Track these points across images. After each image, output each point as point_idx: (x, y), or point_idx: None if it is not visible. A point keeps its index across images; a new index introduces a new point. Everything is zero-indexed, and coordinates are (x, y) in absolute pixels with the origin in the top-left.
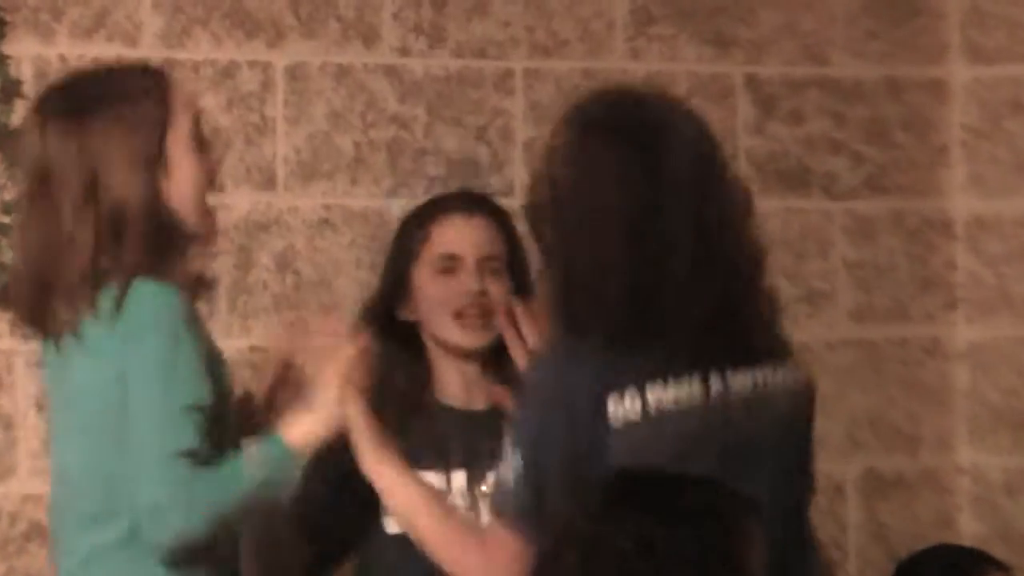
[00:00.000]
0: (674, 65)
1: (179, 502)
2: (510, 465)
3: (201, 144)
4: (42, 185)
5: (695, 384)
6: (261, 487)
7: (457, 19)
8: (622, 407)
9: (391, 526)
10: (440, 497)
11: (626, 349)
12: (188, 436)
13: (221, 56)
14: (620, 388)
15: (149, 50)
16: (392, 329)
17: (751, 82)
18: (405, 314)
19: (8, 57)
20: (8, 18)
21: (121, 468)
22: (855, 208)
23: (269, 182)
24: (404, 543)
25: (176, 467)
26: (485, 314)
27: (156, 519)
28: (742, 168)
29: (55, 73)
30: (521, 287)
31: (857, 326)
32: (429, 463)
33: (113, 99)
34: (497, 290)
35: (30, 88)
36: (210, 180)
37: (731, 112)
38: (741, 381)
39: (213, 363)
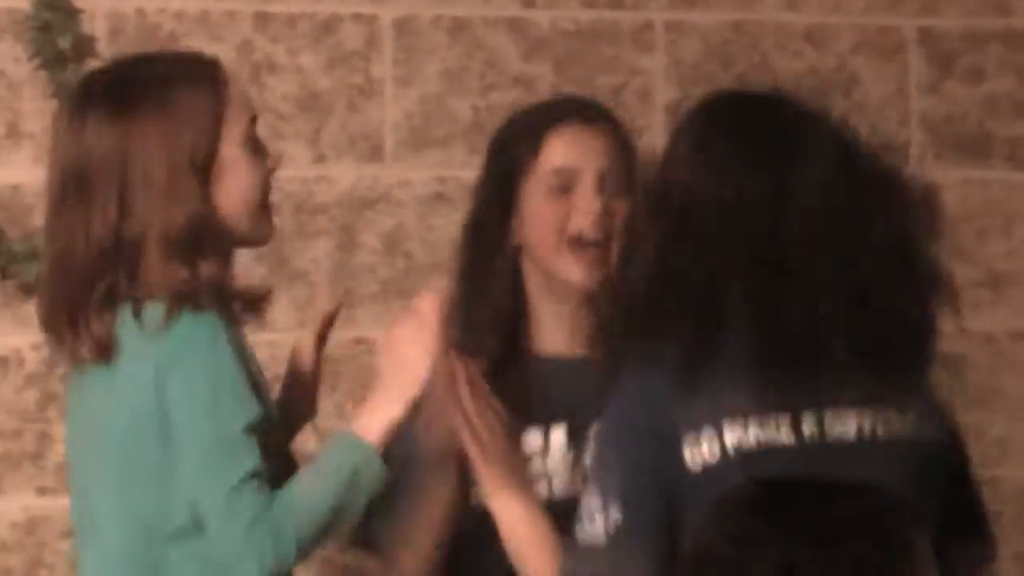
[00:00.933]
0: (837, 17)
1: (254, 551)
2: (598, 515)
3: (257, 148)
4: (76, 186)
5: (783, 426)
6: (346, 498)
7: None
8: (699, 452)
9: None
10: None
11: (702, 373)
12: (248, 461)
13: (321, 8)
14: (696, 429)
15: (239, 2)
16: (491, 259)
17: (926, 36)
18: (509, 240)
19: (80, 11)
20: None
21: (163, 512)
22: None
23: (376, 152)
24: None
25: (242, 508)
26: (606, 240)
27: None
28: (915, 134)
29: (133, 30)
30: None
31: None
32: (526, 419)
33: (163, 90)
34: (622, 211)
35: (104, 47)
36: (266, 189)
37: (903, 70)
38: (841, 425)
39: (258, 388)
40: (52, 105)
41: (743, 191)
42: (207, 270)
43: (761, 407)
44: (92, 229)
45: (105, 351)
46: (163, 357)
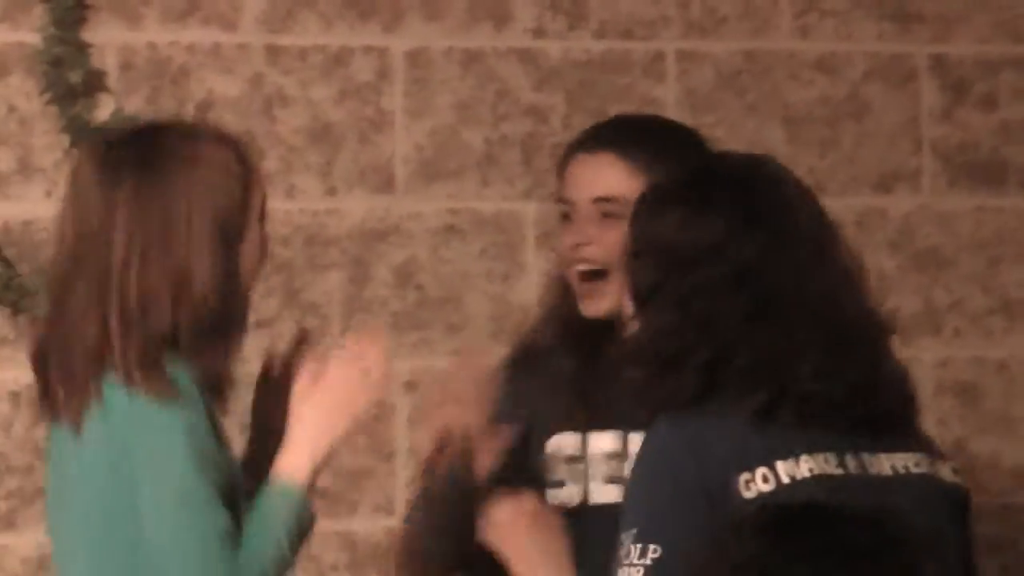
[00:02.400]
0: (849, 45)
1: None
2: (636, 555)
3: (264, 229)
4: (102, 245)
5: (831, 460)
6: (291, 545)
7: None
8: (754, 484)
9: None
10: None
11: (757, 424)
12: (219, 520)
13: (332, 41)
14: (750, 468)
15: (250, 35)
16: (565, 286)
17: (938, 63)
18: None
19: (90, 45)
20: (90, 0)
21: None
22: None
23: (387, 184)
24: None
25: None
26: (606, 267)
27: None
28: (927, 161)
29: (143, 63)
30: None
31: None
32: (605, 424)
33: (198, 161)
34: (611, 238)
35: (115, 81)
36: (265, 255)
37: (915, 98)
38: (878, 465)
39: (228, 468)
40: (63, 140)
41: (744, 258)
42: (214, 350)
43: (809, 447)
44: (115, 289)
45: (79, 422)
46: (134, 441)
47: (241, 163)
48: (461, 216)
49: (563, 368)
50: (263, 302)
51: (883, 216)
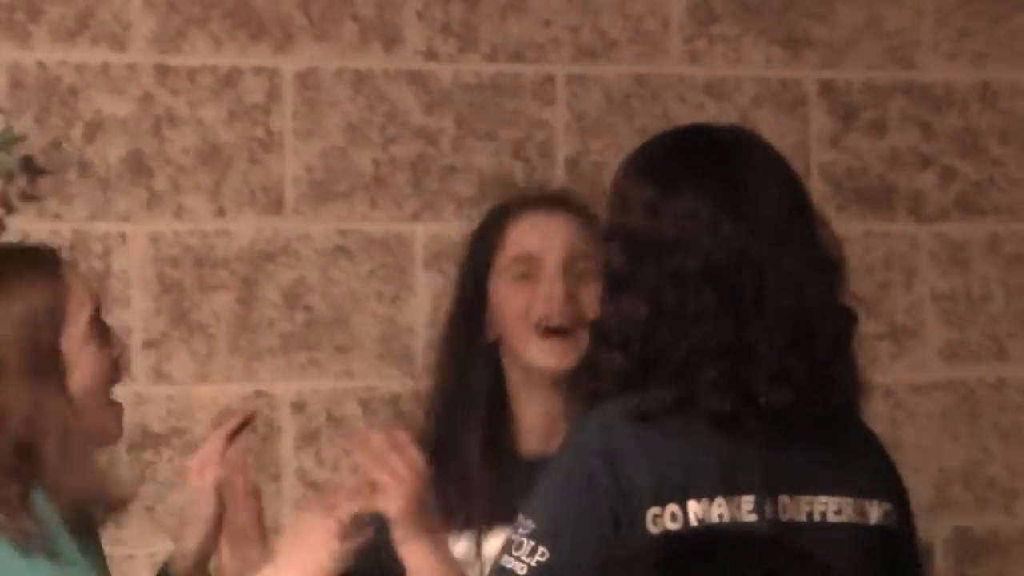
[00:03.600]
0: (739, 70)
1: None
2: (526, 548)
3: (102, 335)
4: None
5: (746, 504)
6: None
7: (490, 18)
8: (661, 520)
9: None
10: None
11: (672, 450)
12: None
13: (222, 62)
14: (662, 503)
15: (140, 55)
16: (469, 355)
17: (827, 89)
18: (485, 335)
19: None
20: None
21: None
22: (945, 232)
23: (276, 205)
24: None
25: None
26: (573, 326)
27: None
28: (816, 186)
29: (33, 83)
30: None
31: (947, 366)
32: (503, 522)
33: (4, 296)
34: (589, 296)
35: (4, 99)
36: (114, 375)
37: (804, 123)
38: (795, 510)
39: None
40: None
41: (714, 252)
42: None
43: (728, 488)
44: None
45: None
46: None
47: (54, 288)
48: (350, 237)
49: (466, 464)
50: (151, 322)
51: None
